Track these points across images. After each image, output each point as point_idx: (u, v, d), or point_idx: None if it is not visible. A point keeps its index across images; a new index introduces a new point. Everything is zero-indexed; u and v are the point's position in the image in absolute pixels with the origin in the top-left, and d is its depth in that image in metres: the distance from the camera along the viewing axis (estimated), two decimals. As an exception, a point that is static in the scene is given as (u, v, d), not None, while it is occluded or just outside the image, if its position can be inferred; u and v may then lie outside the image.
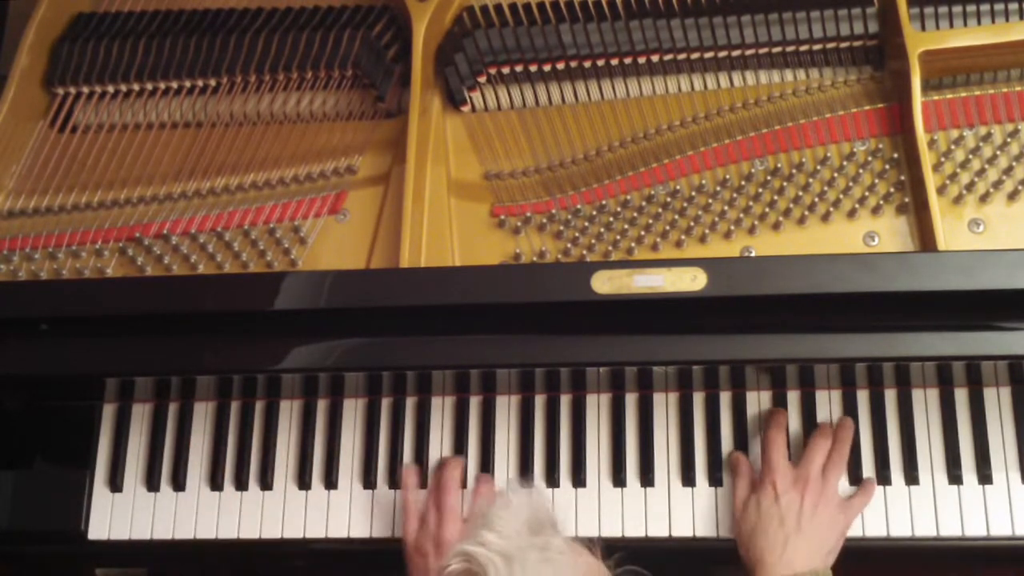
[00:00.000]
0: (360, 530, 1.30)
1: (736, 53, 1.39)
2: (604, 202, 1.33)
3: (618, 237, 1.30)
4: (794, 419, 1.30)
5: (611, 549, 1.03)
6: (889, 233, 1.29)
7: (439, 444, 1.33)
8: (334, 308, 1.20)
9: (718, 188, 1.32)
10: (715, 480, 1.28)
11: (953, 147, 1.32)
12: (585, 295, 1.17)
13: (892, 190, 1.31)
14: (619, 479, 1.30)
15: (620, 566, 1.04)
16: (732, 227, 1.30)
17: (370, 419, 1.34)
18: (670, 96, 1.40)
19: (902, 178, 1.30)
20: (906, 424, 1.29)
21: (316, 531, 1.30)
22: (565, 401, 1.33)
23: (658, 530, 1.28)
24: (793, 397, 1.31)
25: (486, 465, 1.31)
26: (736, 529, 1.24)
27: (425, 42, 1.38)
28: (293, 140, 1.40)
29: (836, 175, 1.31)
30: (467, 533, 0.98)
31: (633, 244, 1.30)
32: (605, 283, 1.17)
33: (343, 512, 1.31)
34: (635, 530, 1.28)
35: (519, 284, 1.20)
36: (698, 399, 1.32)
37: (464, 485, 1.30)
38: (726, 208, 1.31)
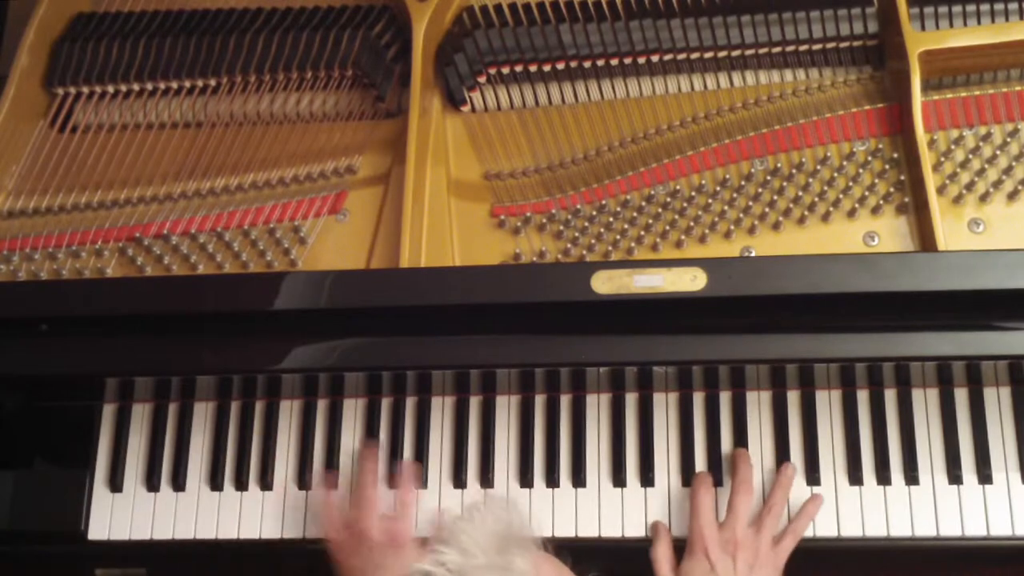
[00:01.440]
0: (360, 530, 1.30)
1: (736, 53, 1.39)
2: (604, 202, 1.33)
3: (618, 237, 1.30)
4: (794, 419, 1.30)
5: (613, 555, 1.03)
6: (889, 233, 1.29)
7: (439, 444, 1.33)
8: (334, 308, 1.20)
9: (718, 188, 1.32)
10: (715, 480, 1.28)
11: (953, 147, 1.32)
12: (585, 295, 1.17)
13: (892, 190, 1.31)
14: (619, 479, 1.30)
15: None
16: (732, 227, 1.30)
17: (370, 419, 1.34)
18: (670, 96, 1.40)
19: (902, 178, 1.30)
20: (906, 424, 1.29)
21: (316, 531, 1.30)
22: (565, 401, 1.33)
23: (658, 530, 1.28)
24: (793, 397, 1.31)
25: (486, 465, 1.31)
26: None
27: (425, 42, 1.38)
28: (293, 140, 1.40)
29: (836, 175, 1.31)
30: (430, 546, 0.96)
31: (633, 244, 1.30)
32: (605, 283, 1.17)
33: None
34: (635, 530, 1.28)
35: (519, 284, 1.20)
36: (698, 399, 1.32)
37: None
38: (726, 208, 1.31)
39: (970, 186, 1.30)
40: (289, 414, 1.35)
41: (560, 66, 1.39)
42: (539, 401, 1.34)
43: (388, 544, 1.19)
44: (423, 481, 1.31)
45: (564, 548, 1.06)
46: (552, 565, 1.02)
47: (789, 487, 1.25)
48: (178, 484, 1.33)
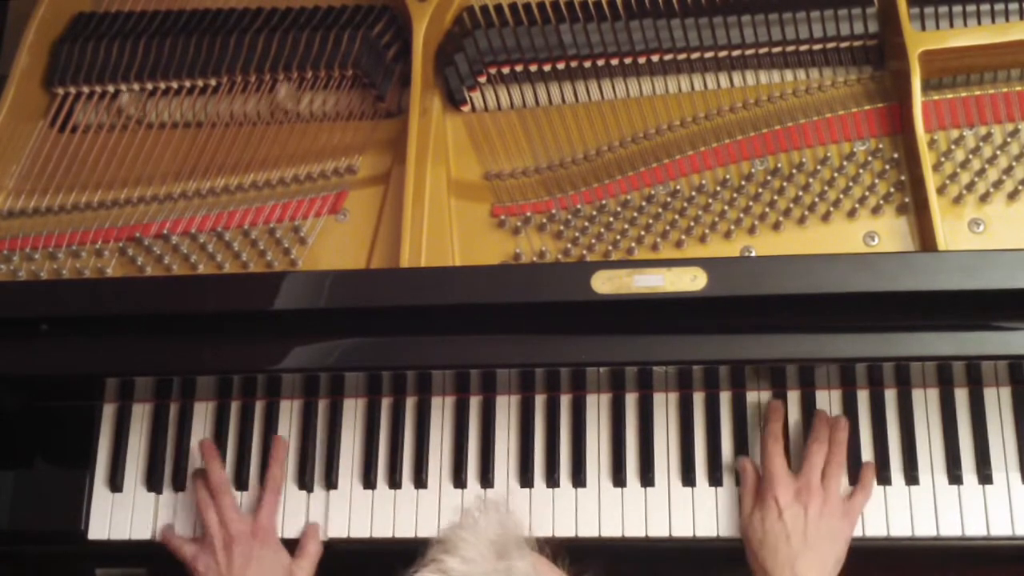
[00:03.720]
0: (360, 530, 1.30)
1: (736, 53, 1.39)
2: (604, 202, 1.33)
3: (618, 237, 1.30)
4: (794, 419, 1.30)
5: (613, 555, 1.03)
6: (889, 233, 1.29)
7: (439, 444, 1.33)
8: (334, 308, 1.20)
9: (718, 188, 1.32)
10: (715, 480, 1.28)
11: (953, 147, 1.32)
12: (585, 295, 1.17)
13: (892, 190, 1.31)
14: (619, 479, 1.30)
15: None
16: (732, 227, 1.30)
17: (370, 419, 1.34)
18: (670, 96, 1.40)
19: (902, 178, 1.30)
20: (906, 424, 1.29)
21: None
22: (565, 401, 1.33)
23: (658, 530, 1.28)
24: (793, 397, 1.31)
25: (486, 465, 1.31)
26: (744, 538, 1.23)
27: (425, 42, 1.38)
28: (293, 140, 1.40)
29: (836, 175, 1.31)
30: (430, 555, 0.96)
31: (633, 244, 1.30)
32: (605, 283, 1.17)
33: (343, 512, 1.31)
34: (635, 530, 1.28)
35: (519, 284, 1.20)
36: (698, 399, 1.32)
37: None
38: (726, 208, 1.31)
39: (970, 186, 1.30)
40: (289, 414, 1.36)
41: (560, 66, 1.39)
42: (539, 401, 1.34)
43: (254, 540, 1.24)
44: (423, 481, 1.31)
45: (563, 548, 1.06)
46: (548, 567, 1.02)
47: (845, 443, 1.25)
48: (178, 484, 1.33)
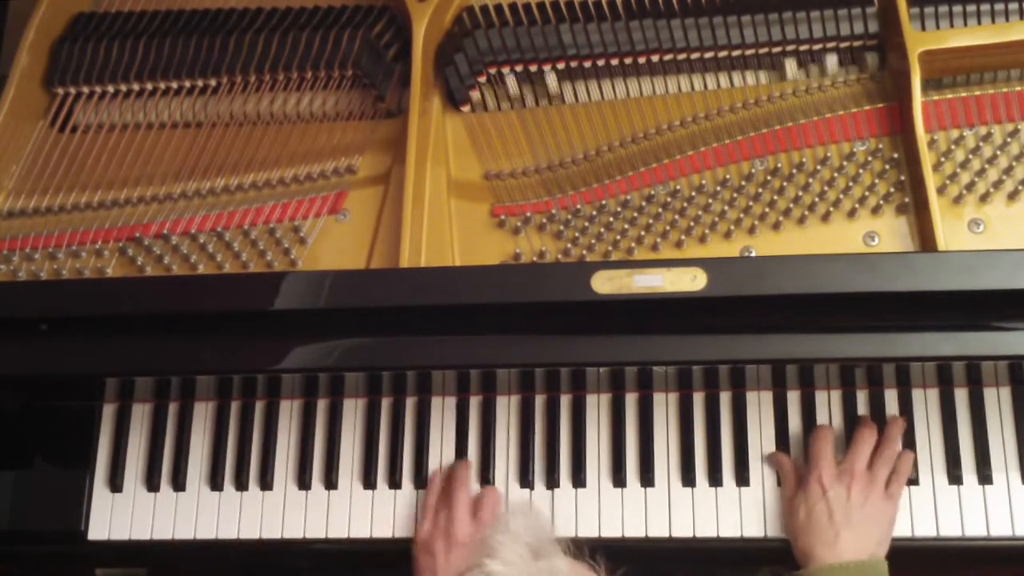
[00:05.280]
0: (360, 530, 1.30)
1: (736, 53, 1.39)
2: (604, 202, 1.33)
3: (618, 237, 1.30)
4: (794, 419, 1.31)
5: (614, 555, 1.03)
6: (889, 233, 1.29)
7: (439, 444, 1.33)
8: (334, 308, 1.20)
9: (718, 188, 1.32)
10: (715, 480, 1.28)
11: (953, 147, 1.32)
12: (585, 295, 1.17)
13: (892, 190, 1.31)
14: (619, 479, 1.30)
15: None
16: (732, 227, 1.30)
17: (370, 419, 1.34)
18: (670, 96, 1.40)
19: (902, 178, 1.30)
20: (906, 424, 1.29)
21: (316, 531, 1.30)
22: (565, 401, 1.33)
23: (658, 530, 1.28)
24: (793, 397, 1.31)
25: (486, 465, 1.31)
26: (787, 526, 1.24)
27: (425, 42, 1.38)
28: (293, 140, 1.40)
29: (836, 175, 1.31)
30: (470, 560, 0.97)
31: (633, 244, 1.30)
32: (605, 283, 1.17)
33: (343, 512, 1.31)
34: (635, 530, 1.28)
35: (519, 284, 1.20)
36: (698, 399, 1.32)
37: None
38: (726, 208, 1.31)
39: (970, 186, 1.30)
40: (289, 414, 1.36)
41: (560, 66, 1.39)
42: (539, 401, 1.34)
43: (468, 546, 1.22)
44: (423, 481, 1.31)
45: (597, 547, 1.06)
46: (585, 566, 1.03)
47: (900, 438, 1.26)
48: (178, 484, 1.33)
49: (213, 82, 1.42)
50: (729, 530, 1.27)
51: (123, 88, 1.44)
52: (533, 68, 1.39)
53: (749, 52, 1.39)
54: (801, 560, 1.19)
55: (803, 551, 1.19)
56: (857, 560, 1.16)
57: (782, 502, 1.26)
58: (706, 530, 1.27)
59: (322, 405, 1.35)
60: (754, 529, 1.27)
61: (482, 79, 1.40)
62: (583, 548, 1.05)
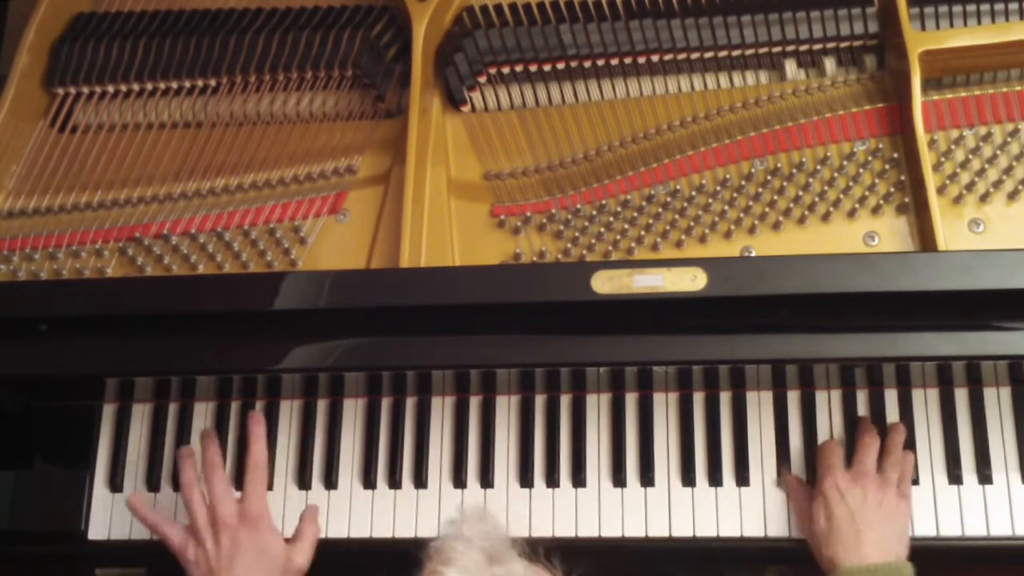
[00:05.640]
0: (360, 530, 1.30)
1: (736, 53, 1.39)
2: (604, 202, 1.33)
3: (618, 237, 1.30)
4: (794, 419, 1.30)
5: (614, 555, 1.03)
6: (889, 233, 1.29)
7: (439, 444, 1.33)
8: (334, 308, 1.20)
9: (718, 188, 1.32)
10: (715, 480, 1.28)
11: (953, 147, 1.32)
12: (585, 295, 1.17)
13: (892, 190, 1.31)
14: (619, 479, 1.30)
15: None
16: (732, 227, 1.30)
17: (370, 419, 1.34)
18: (670, 96, 1.40)
19: (902, 178, 1.30)
20: (906, 424, 1.29)
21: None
22: (565, 401, 1.33)
23: (658, 530, 1.28)
24: (793, 397, 1.31)
25: (486, 465, 1.31)
26: (809, 535, 1.23)
27: (425, 42, 1.38)
28: (293, 140, 1.40)
29: (836, 175, 1.31)
30: (426, 569, 0.97)
31: (633, 244, 1.30)
32: (605, 283, 1.17)
33: (343, 512, 1.31)
34: (635, 530, 1.28)
35: (519, 284, 1.20)
36: (698, 399, 1.32)
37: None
38: (726, 208, 1.31)
39: (970, 186, 1.30)
40: (289, 414, 1.35)
41: (560, 66, 1.39)
42: (539, 401, 1.34)
43: (243, 526, 1.18)
44: (423, 481, 1.31)
45: (553, 547, 1.06)
46: (541, 568, 1.03)
47: (900, 442, 1.26)
48: (178, 484, 1.33)
49: (213, 82, 1.42)
50: (729, 530, 1.27)
51: (123, 88, 1.44)
52: (533, 68, 1.39)
53: (749, 52, 1.39)
54: (827, 567, 1.18)
55: (828, 558, 1.18)
56: (884, 562, 1.16)
57: (795, 516, 1.26)
58: (706, 530, 1.27)
59: (322, 405, 1.35)
60: (754, 529, 1.27)
61: (482, 79, 1.40)
62: (538, 550, 1.05)
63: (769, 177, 1.32)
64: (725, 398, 1.32)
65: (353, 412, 1.35)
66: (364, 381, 1.34)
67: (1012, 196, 1.30)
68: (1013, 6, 1.36)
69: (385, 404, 1.35)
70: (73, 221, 1.37)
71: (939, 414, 1.29)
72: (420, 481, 1.31)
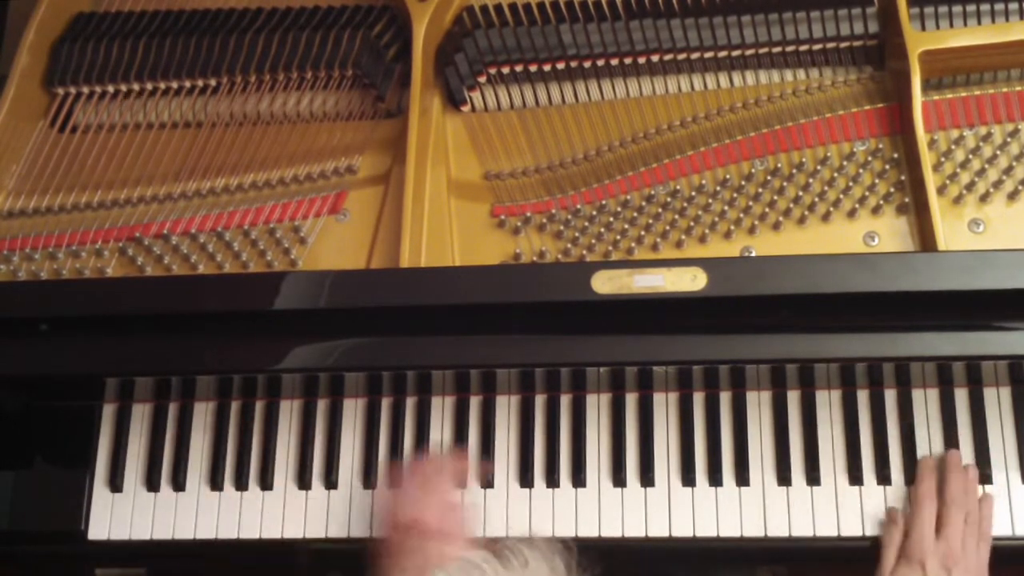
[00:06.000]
0: (360, 530, 1.30)
1: (736, 53, 1.39)
2: (604, 202, 1.33)
3: (618, 237, 1.30)
4: (794, 419, 1.30)
5: (613, 555, 1.01)
6: (889, 233, 1.29)
7: (439, 444, 1.33)
8: (334, 308, 1.20)
9: (718, 188, 1.32)
10: (715, 480, 1.28)
11: (953, 147, 1.32)
12: (585, 295, 1.17)
13: (892, 190, 1.31)
14: (619, 479, 1.29)
15: None
16: (732, 227, 1.30)
17: (370, 419, 1.34)
18: (670, 96, 1.40)
19: (902, 178, 1.30)
20: (906, 424, 1.29)
21: (316, 531, 1.30)
22: (565, 401, 1.33)
23: (658, 530, 1.28)
24: (793, 397, 1.31)
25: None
26: None
27: (425, 42, 1.38)
28: (293, 140, 1.40)
29: (836, 175, 1.31)
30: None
31: (633, 244, 1.30)
32: (605, 283, 1.17)
33: (343, 512, 1.31)
34: (635, 530, 1.28)
35: (519, 284, 1.20)
36: (698, 399, 1.32)
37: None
38: (726, 208, 1.31)
39: (970, 186, 1.30)
40: (289, 414, 1.35)
41: (560, 66, 1.39)
42: (539, 401, 1.34)
43: (440, 536, 1.17)
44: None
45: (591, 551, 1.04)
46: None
47: (986, 515, 1.24)
48: (178, 484, 1.33)
49: (213, 82, 1.42)
50: (729, 530, 1.27)
51: (123, 88, 1.44)
52: (533, 68, 1.39)
53: (749, 52, 1.39)
54: None
55: None
56: None
57: (880, 566, 1.21)
58: (706, 530, 1.27)
59: (322, 405, 1.35)
60: (754, 529, 1.26)
61: (482, 79, 1.40)
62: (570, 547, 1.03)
63: (769, 177, 1.32)
64: (725, 398, 1.32)
65: (353, 412, 1.35)
66: (364, 381, 1.34)
67: (1012, 196, 1.30)
68: (1013, 6, 1.36)
69: (385, 404, 1.35)
70: (73, 221, 1.37)
71: (939, 414, 1.29)
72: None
